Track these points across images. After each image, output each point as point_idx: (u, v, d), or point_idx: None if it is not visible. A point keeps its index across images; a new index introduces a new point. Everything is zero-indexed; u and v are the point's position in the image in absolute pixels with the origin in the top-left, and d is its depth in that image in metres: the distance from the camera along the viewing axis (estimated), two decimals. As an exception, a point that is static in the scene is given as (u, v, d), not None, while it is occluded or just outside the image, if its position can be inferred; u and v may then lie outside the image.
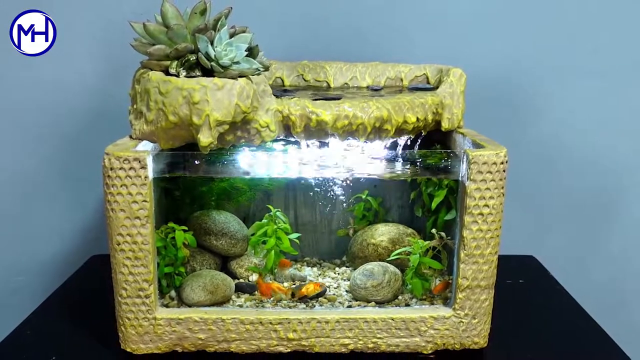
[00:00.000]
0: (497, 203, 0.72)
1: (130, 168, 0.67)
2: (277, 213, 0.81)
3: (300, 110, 0.73)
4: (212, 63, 0.69)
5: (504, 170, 0.71)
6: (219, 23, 0.72)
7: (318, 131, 0.74)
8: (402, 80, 0.92)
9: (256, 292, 0.82)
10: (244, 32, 0.77)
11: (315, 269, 0.92)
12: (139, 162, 0.67)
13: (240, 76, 0.71)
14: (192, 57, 0.71)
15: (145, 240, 0.69)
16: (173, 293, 0.80)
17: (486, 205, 0.71)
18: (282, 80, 0.91)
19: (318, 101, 0.74)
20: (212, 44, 0.70)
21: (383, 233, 0.88)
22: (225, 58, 0.70)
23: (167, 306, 0.77)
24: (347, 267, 0.93)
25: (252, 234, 0.82)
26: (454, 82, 0.85)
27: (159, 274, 0.75)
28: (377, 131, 0.75)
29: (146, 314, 0.71)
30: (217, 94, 0.68)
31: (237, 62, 0.71)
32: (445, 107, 0.83)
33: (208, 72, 0.70)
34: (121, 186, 0.67)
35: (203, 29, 0.70)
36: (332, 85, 0.90)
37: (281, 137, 0.75)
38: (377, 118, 0.74)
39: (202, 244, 0.86)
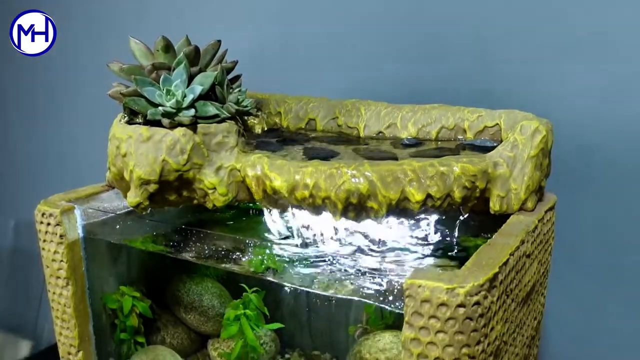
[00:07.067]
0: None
1: (48, 224, 0.55)
2: (252, 296, 0.60)
3: (257, 172, 0.52)
4: (151, 109, 0.53)
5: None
6: (176, 60, 0.55)
7: (277, 200, 0.52)
8: (465, 131, 0.61)
9: None
10: (231, 68, 0.59)
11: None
12: (54, 217, 0.55)
13: (193, 123, 0.53)
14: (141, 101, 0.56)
15: (67, 302, 0.57)
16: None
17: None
18: (316, 123, 0.69)
19: (280, 162, 0.52)
20: (157, 85, 0.54)
21: (385, 348, 0.59)
22: (169, 102, 0.53)
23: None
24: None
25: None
26: (519, 141, 0.52)
27: (115, 340, 0.63)
28: (358, 209, 0.50)
29: (76, 381, 0.60)
30: (142, 146, 0.52)
31: (187, 108, 0.54)
32: (496, 180, 0.52)
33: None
34: (43, 241, 0.56)
35: (155, 67, 0.55)
36: (361, 134, 0.65)
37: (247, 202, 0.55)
38: (349, 192, 0.48)
39: (175, 315, 0.70)
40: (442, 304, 0.40)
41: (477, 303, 0.40)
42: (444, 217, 0.55)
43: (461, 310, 0.40)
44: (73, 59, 1.11)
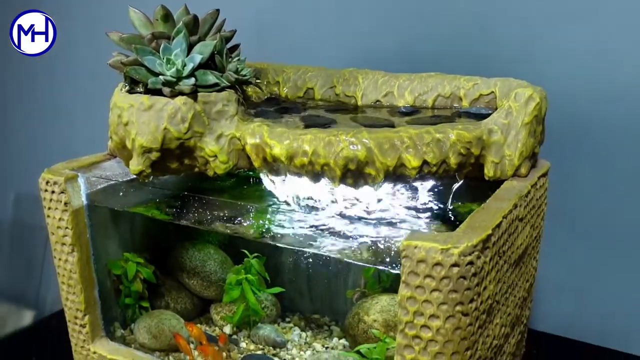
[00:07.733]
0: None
1: (52, 192, 0.57)
2: (253, 261, 0.62)
3: (257, 139, 0.53)
4: (152, 78, 0.54)
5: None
6: (175, 30, 0.56)
7: (278, 168, 0.53)
8: (461, 99, 0.63)
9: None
10: (230, 37, 0.60)
11: (308, 334, 0.70)
12: (58, 185, 0.56)
13: (193, 92, 0.54)
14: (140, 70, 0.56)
15: (73, 268, 0.58)
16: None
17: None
18: (314, 92, 0.70)
19: (280, 130, 0.53)
20: (157, 54, 0.55)
21: (382, 310, 0.61)
22: (169, 71, 0.54)
23: (124, 339, 0.66)
24: (346, 340, 0.68)
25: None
26: (514, 108, 0.54)
27: (120, 305, 0.65)
28: (356, 175, 0.51)
29: (83, 343, 0.62)
30: (143, 115, 0.53)
31: (187, 77, 0.54)
32: (490, 146, 0.53)
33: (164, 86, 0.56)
34: (48, 209, 0.58)
35: (155, 37, 0.55)
36: (359, 103, 0.66)
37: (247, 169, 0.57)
38: (348, 159, 0.50)
39: (179, 280, 0.72)
40: (437, 264, 0.41)
41: (471, 263, 0.42)
42: (439, 183, 0.56)
43: (455, 269, 0.41)
44: (73, 59, 1.11)
